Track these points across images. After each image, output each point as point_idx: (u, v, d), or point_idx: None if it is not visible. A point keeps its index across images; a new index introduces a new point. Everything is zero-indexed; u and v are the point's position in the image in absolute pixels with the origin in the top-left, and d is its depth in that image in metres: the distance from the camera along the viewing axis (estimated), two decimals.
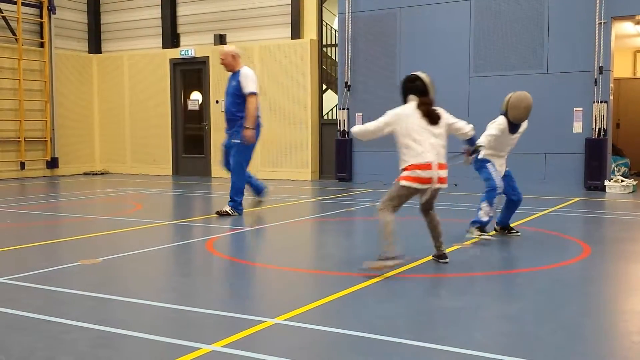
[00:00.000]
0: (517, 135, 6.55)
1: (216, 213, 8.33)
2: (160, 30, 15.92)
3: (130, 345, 3.51)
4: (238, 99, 8.19)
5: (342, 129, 13.27)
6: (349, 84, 13.17)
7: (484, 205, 6.31)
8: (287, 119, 14.08)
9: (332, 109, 14.10)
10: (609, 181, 11.14)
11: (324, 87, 14.24)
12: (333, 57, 14.17)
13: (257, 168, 14.25)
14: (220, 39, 14.67)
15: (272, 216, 8.64)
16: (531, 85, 11.53)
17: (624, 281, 5.23)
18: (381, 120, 5.27)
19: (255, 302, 4.56)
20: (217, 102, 14.72)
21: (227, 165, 8.56)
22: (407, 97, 5.29)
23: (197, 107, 15.40)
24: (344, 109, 13.20)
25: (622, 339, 3.72)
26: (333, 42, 14.14)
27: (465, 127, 5.49)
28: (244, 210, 8.43)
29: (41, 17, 15.45)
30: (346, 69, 13.21)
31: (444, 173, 5.15)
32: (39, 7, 15.46)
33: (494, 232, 6.78)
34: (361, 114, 12.85)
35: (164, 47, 15.83)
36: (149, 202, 10.51)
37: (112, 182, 13.91)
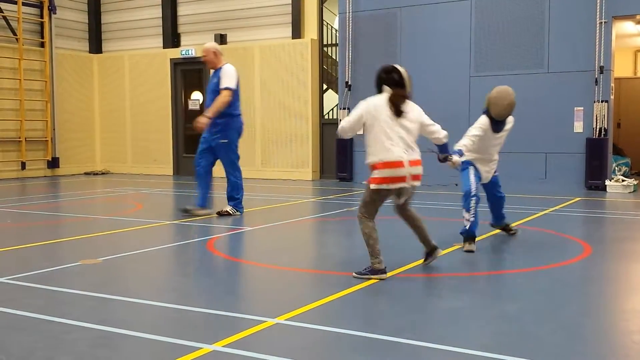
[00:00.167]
0: (502, 134, 6.13)
1: (217, 213, 8.33)
2: (160, 30, 15.93)
3: (131, 345, 3.51)
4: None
5: None
6: (349, 83, 13.18)
7: (464, 212, 6.00)
8: (287, 119, 14.08)
9: (332, 109, 14.10)
10: (610, 181, 11.13)
11: (325, 86, 14.24)
12: (333, 57, 14.17)
13: (257, 168, 14.28)
14: (221, 39, 14.66)
15: (273, 216, 8.64)
16: (532, 84, 11.57)
17: (625, 281, 5.23)
18: (355, 114, 4.97)
19: (256, 302, 4.56)
20: None
21: (199, 163, 8.27)
22: (382, 87, 5.04)
23: (197, 107, 15.38)
24: (344, 108, 13.20)
25: (622, 338, 3.72)
26: (333, 42, 14.14)
27: (440, 132, 5.16)
28: (244, 210, 8.46)
29: (42, 17, 15.45)
30: (347, 68, 13.21)
31: (416, 170, 4.90)
32: (40, 7, 15.46)
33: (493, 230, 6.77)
34: None
35: (164, 47, 15.83)
36: (149, 202, 10.51)
37: (113, 182, 13.91)
